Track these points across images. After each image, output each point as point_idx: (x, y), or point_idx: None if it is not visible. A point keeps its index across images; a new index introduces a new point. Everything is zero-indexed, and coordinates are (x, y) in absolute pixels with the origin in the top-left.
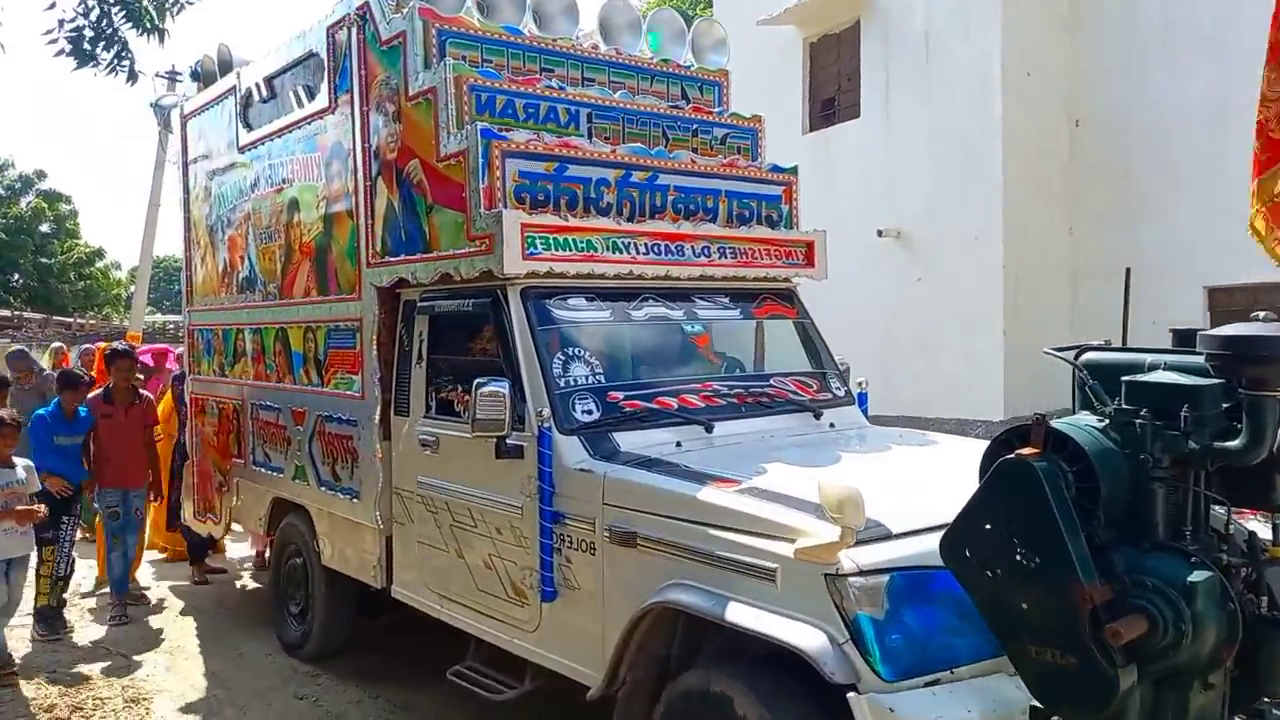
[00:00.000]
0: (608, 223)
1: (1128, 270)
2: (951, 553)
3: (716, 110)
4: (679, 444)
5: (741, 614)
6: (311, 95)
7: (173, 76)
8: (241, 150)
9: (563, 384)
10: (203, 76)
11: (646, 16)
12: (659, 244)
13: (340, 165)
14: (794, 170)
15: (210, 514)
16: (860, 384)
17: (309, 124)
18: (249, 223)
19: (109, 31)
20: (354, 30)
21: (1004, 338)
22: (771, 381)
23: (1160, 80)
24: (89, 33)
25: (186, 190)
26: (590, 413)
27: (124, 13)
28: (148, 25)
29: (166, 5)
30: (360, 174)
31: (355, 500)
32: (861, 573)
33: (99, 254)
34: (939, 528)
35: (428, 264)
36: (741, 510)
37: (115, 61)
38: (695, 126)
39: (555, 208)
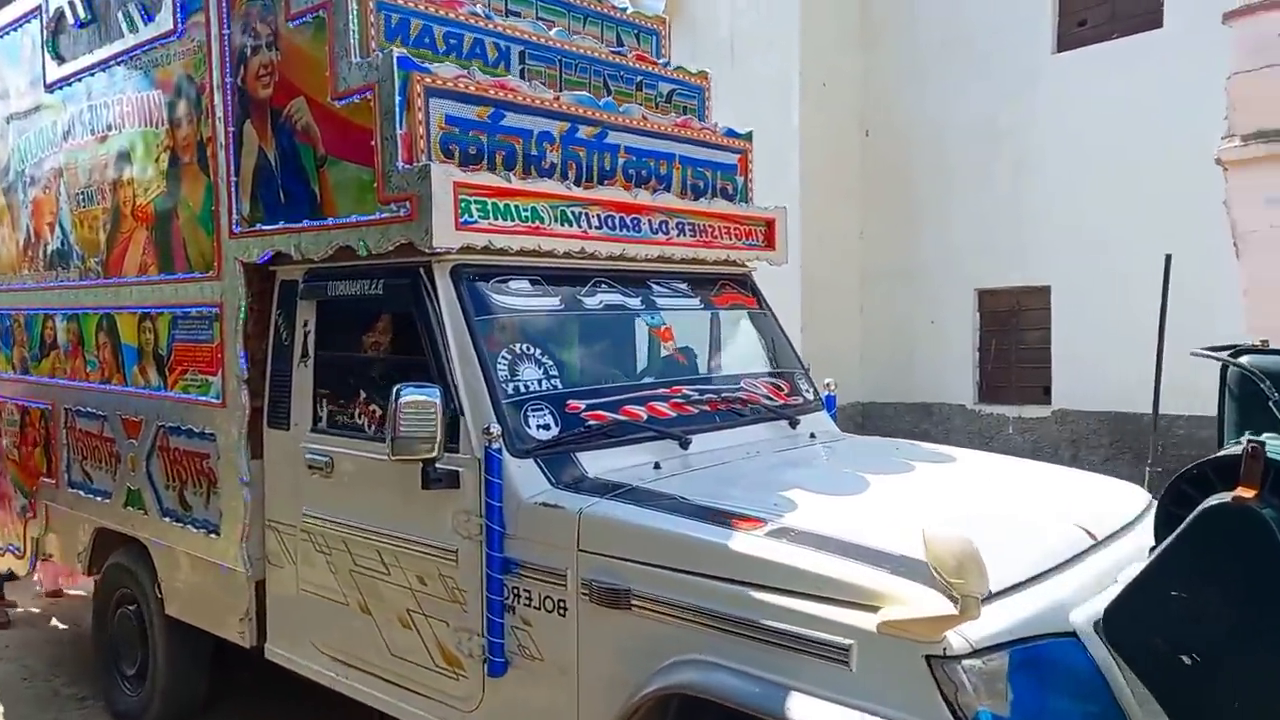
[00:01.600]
0: (555, 187)
1: (1168, 257)
2: (1123, 632)
3: (661, 62)
4: (657, 465)
5: (805, 709)
6: (149, 16)
7: None
8: (50, 89)
9: (510, 391)
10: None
11: None
12: (613, 216)
13: (189, 106)
14: (749, 136)
15: (11, 546)
16: (828, 385)
17: (145, 53)
18: (60, 180)
19: None
20: None
21: (801, 335)
22: (742, 385)
23: (937, 94)
24: None
25: None
26: (547, 428)
27: None
28: None
29: None
30: (220, 117)
31: (212, 535)
32: (976, 652)
33: None
34: (1040, 578)
35: (318, 235)
36: (795, 566)
37: None
38: (640, 78)
39: (490, 165)
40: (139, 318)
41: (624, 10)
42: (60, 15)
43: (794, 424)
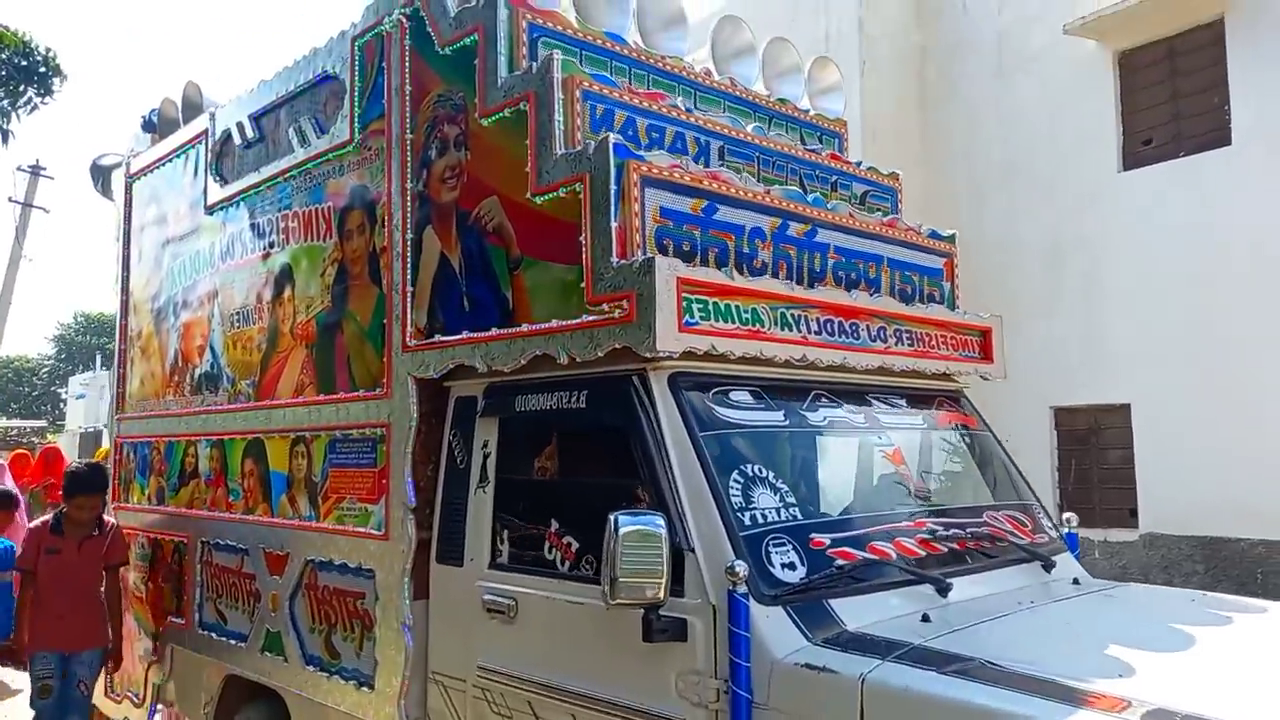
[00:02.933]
0: (776, 285)
1: None
2: None
3: (854, 163)
4: (926, 618)
5: None
6: (322, 130)
7: (36, 171)
8: (210, 210)
9: (748, 521)
10: (160, 126)
11: (760, 47)
12: (832, 321)
13: (363, 217)
14: (953, 239)
15: (130, 692)
16: (1067, 521)
17: (317, 166)
18: (214, 302)
19: None
20: (396, 35)
21: None
22: (986, 519)
23: (1000, 213)
24: None
25: (126, 268)
26: (793, 567)
27: None
28: None
29: (16, 106)
30: (398, 225)
31: (364, 688)
32: None
33: None
34: None
35: (510, 344)
36: None
37: None
38: (835, 178)
39: (703, 263)
40: (291, 442)
41: (806, 112)
42: (227, 137)
43: (1048, 566)
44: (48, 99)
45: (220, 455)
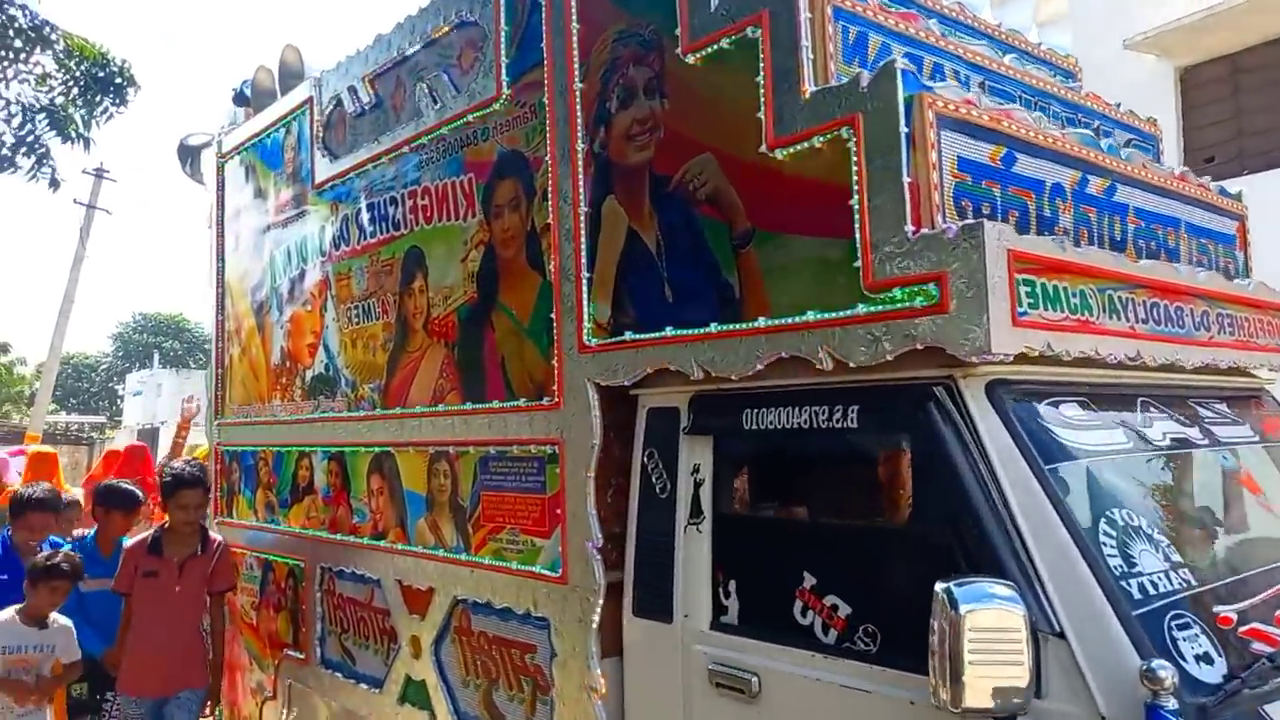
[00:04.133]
0: (1104, 260)
1: None
2: None
3: (1114, 104)
4: None
5: None
6: (457, 88)
7: (100, 174)
8: (319, 189)
9: (1137, 593)
10: (254, 98)
11: None
12: (1157, 305)
13: (517, 187)
14: (1240, 197)
15: None
16: None
17: (453, 131)
18: (327, 294)
19: (30, 139)
20: None
21: None
22: None
23: None
24: (9, 139)
25: (221, 258)
26: (1209, 660)
27: (48, 120)
28: (73, 134)
29: (94, 114)
30: (567, 194)
31: None
32: None
33: (3, 349)
34: None
35: (740, 343)
36: None
37: (35, 168)
38: (1097, 122)
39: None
40: (429, 458)
41: (1038, 45)
42: (336, 104)
43: None
44: (122, 108)
45: (340, 469)
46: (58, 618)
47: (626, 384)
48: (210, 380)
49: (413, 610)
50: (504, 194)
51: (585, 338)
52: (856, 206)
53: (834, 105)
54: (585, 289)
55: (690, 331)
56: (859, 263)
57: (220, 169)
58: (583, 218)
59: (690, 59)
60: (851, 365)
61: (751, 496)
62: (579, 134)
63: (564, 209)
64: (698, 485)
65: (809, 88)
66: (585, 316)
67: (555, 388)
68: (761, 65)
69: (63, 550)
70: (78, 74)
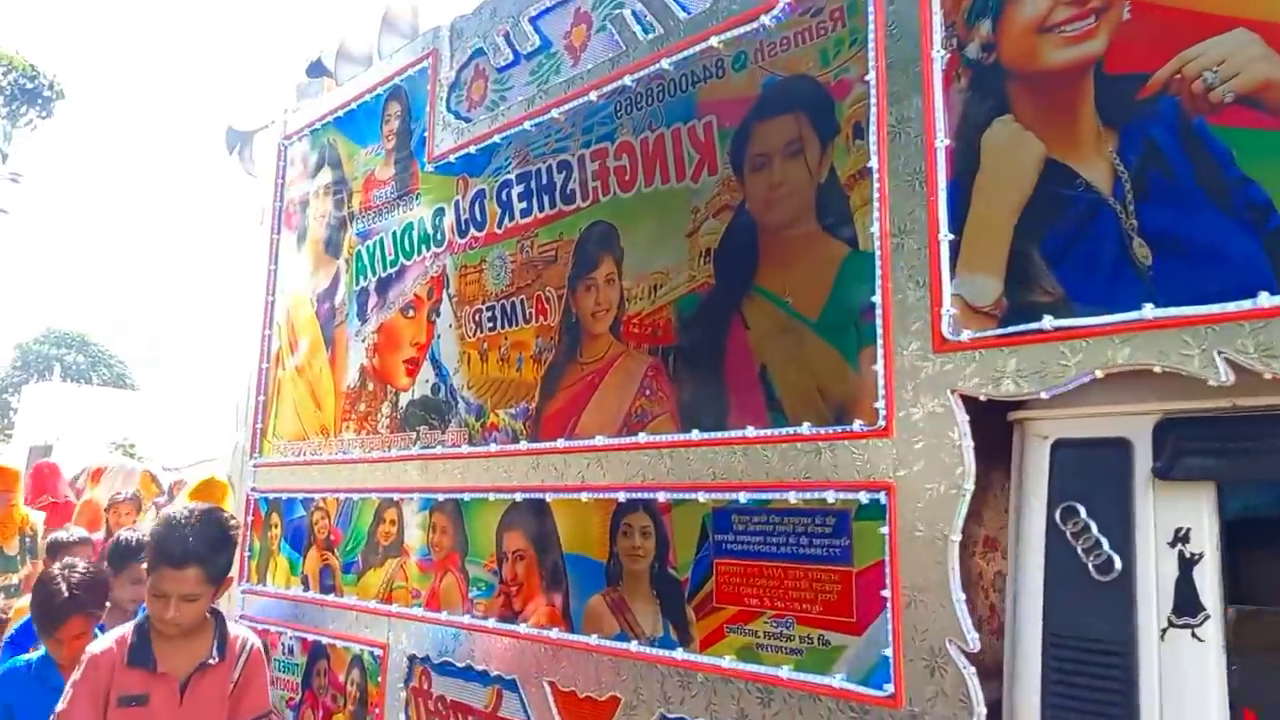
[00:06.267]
0: None
1: None
2: None
3: None
4: None
5: None
6: (687, 9)
7: (13, 178)
8: (438, 162)
9: None
10: (337, 67)
11: None
12: None
13: (804, 125)
14: None
15: None
16: None
17: (679, 64)
18: (443, 294)
19: None
20: None
21: None
22: None
23: None
24: None
25: (275, 260)
26: None
27: None
28: None
29: (15, 126)
30: (912, 121)
31: None
32: None
33: None
34: None
35: None
36: None
37: None
38: None
39: None
40: (613, 510)
41: None
42: (474, 55)
43: None
44: (47, 118)
45: (451, 524)
46: None
47: (1045, 395)
48: (246, 410)
49: None
50: (773, 137)
51: (946, 329)
52: None
53: None
54: (945, 257)
55: (1206, 310)
56: None
57: (283, 153)
58: (940, 153)
59: None
60: None
61: None
62: (935, 35)
63: (903, 144)
64: (1190, 564)
65: None
66: (943, 298)
67: (879, 405)
68: None
69: None
70: (3, 84)
